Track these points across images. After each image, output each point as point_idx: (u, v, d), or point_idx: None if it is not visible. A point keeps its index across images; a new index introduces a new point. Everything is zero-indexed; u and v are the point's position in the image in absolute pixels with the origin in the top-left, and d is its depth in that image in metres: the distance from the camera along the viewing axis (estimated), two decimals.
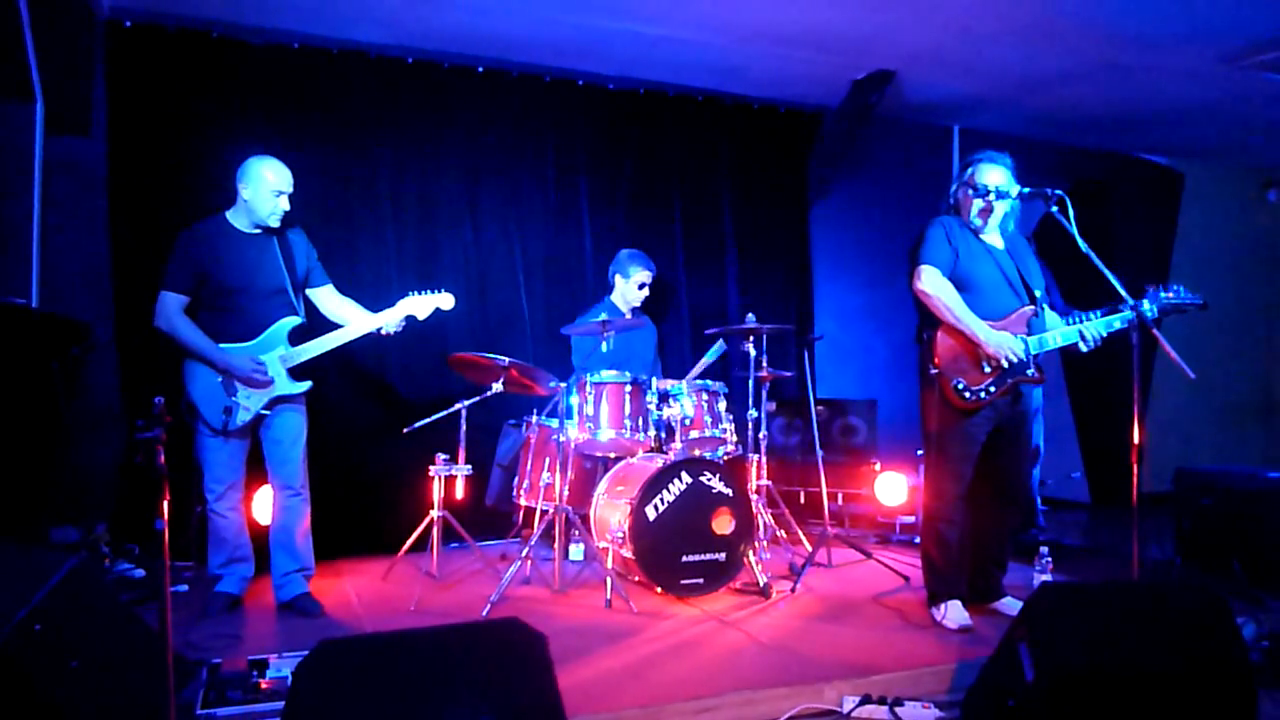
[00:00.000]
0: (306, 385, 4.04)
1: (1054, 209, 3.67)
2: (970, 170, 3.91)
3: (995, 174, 3.86)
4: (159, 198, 4.79)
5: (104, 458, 4.76)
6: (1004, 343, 3.70)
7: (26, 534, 4.15)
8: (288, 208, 3.99)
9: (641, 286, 5.41)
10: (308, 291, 4.19)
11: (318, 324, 4.16)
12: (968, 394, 3.72)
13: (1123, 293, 3.60)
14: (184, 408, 3.88)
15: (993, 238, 3.95)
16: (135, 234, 4.76)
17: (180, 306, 3.88)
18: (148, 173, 4.84)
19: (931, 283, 3.75)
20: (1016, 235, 4.06)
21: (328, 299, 4.22)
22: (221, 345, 3.88)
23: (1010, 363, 3.71)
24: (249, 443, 4.03)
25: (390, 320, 4.11)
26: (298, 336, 4.04)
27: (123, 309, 4.76)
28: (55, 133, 4.74)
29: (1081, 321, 3.79)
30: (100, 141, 4.82)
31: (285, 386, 3.98)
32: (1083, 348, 3.79)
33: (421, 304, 4.21)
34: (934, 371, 3.76)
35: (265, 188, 3.91)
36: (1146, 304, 3.66)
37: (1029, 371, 3.76)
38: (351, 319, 4.13)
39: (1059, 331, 3.79)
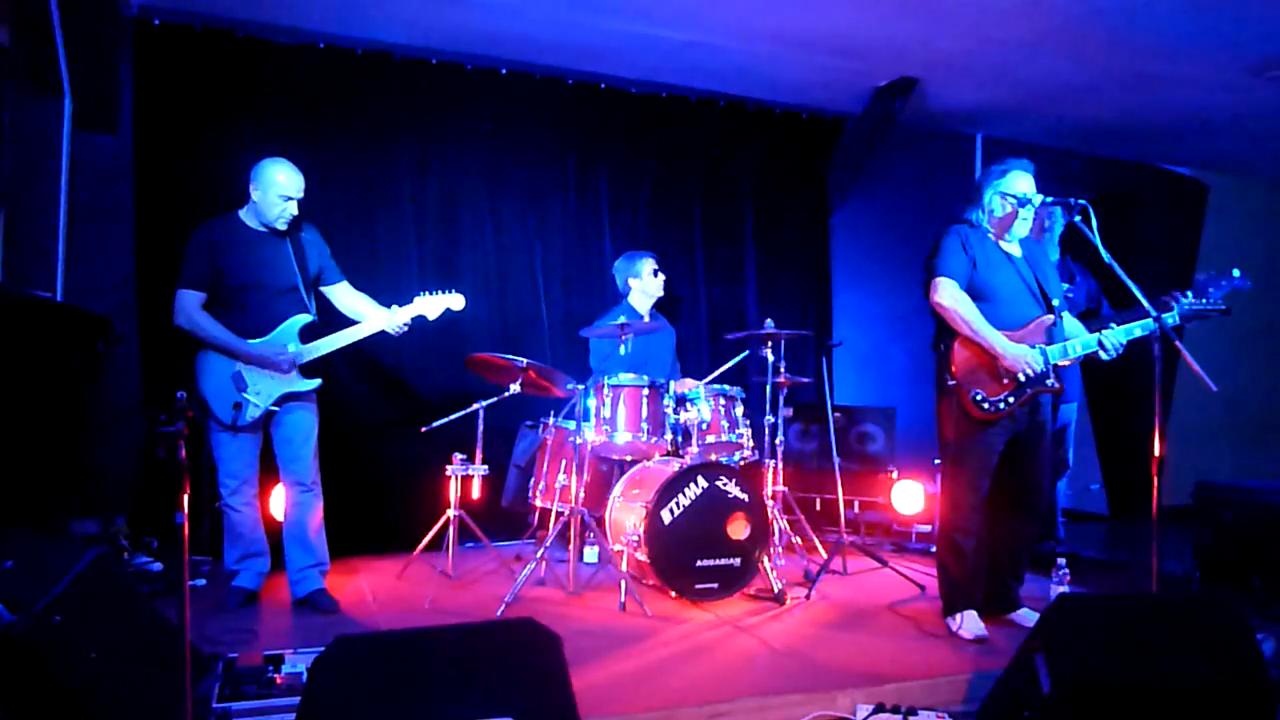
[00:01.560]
0: (316, 383, 4.06)
1: (1077, 219, 3.65)
2: (1004, 179, 3.85)
3: (1026, 181, 3.84)
4: (183, 194, 4.83)
5: (124, 451, 4.80)
6: (1022, 355, 3.67)
7: (48, 526, 4.20)
8: (295, 213, 4.02)
9: (656, 274, 5.40)
10: (323, 289, 4.22)
11: (332, 321, 4.18)
12: (986, 405, 3.70)
13: (1145, 304, 3.57)
14: (195, 401, 3.91)
15: (1011, 245, 3.93)
16: (159, 230, 4.80)
17: (198, 303, 3.92)
18: (173, 170, 4.89)
19: (948, 295, 3.72)
20: (1032, 242, 4.03)
21: (343, 295, 4.25)
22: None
23: (1028, 375, 3.68)
24: (261, 438, 4.05)
25: (396, 321, 4.11)
26: (309, 334, 4.06)
27: (145, 304, 4.80)
28: (82, 128, 4.80)
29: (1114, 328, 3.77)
30: (127, 138, 4.88)
31: (295, 384, 4.00)
32: (1104, 355, 3.76)
33: (432, 304, 4.24)
34: (952, 383, 3.73)
35: (273, 191, 3.94)
36: (1172, 313, 3.63)
37: (1048, 381, 3.74)
38: (368, 314, 4.16)
39: (1078, 341, 3.77)
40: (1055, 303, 3.84)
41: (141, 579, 4.22)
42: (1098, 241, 3.59)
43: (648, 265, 5.38)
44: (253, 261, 3.97)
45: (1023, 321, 3.77)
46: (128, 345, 4.80)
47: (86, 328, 4.42)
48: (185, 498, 2.29)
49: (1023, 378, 3.68)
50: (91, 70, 4.63)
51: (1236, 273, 3.66)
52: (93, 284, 4.80)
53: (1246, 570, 4.44)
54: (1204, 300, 3.77)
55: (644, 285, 5.39)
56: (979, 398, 3.69)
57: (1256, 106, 5.98)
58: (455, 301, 4.30)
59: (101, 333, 4.52)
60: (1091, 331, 3.80)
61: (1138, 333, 3.72)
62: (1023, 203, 3.81)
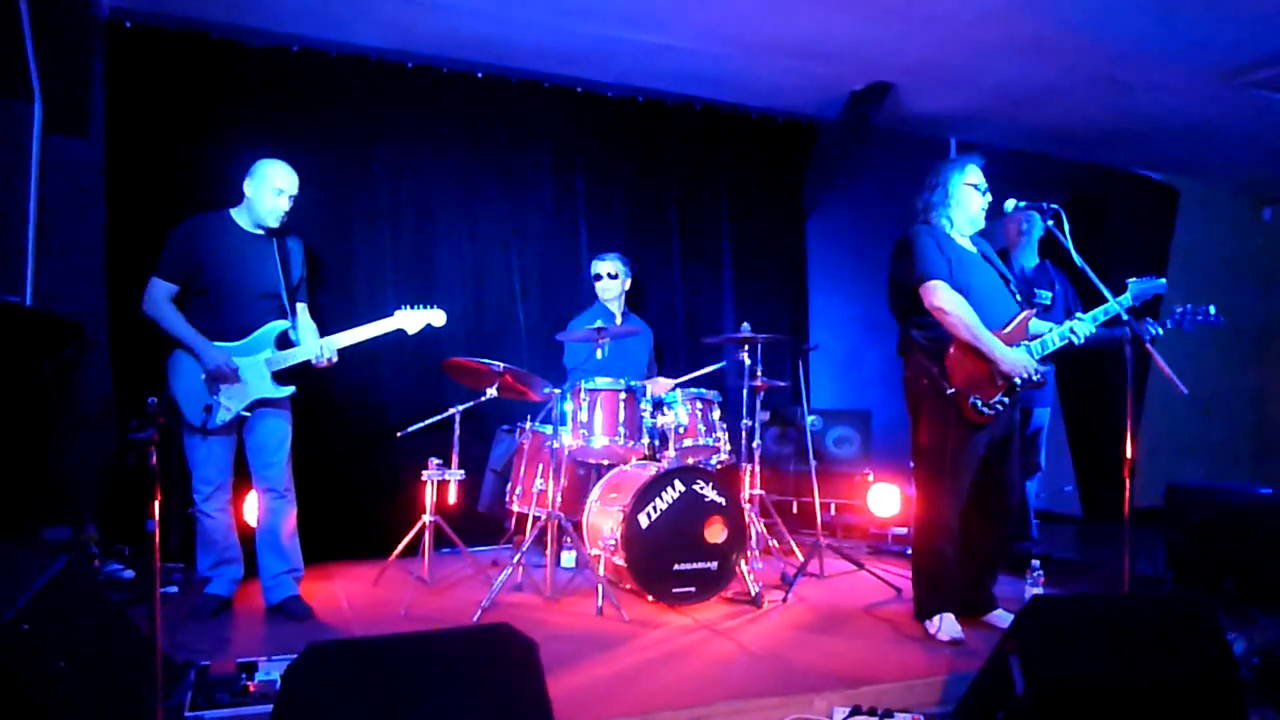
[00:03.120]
0: (289, 390, 4.02)
1: (1050, 222, 3.69)
2: (965, 171, 3.88)
3: (979, 174, 3.91)
4: (155, 199, 4.78)
5: (95, 457, 4.74)
6: (1020, 360, 3.69)
7: (17, 533, 4.15)
8: (288, 207, 3.99)
9: (597, 278, 5.40)
10: None
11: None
12: (985, 410, 3.69)
13: (1118, 307, 3.63)
14: (165, 405, 3.87)
15: (967, 242, 3.96)
16: (131, 235, 4.74)
17: (168, 295, 3.89)
18: (145, 174, 4.83)
19: (946, 299, 3.66)
20: (979, 238, 4.05)
21: (299, 316, 4.20)
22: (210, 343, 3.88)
23: (1024, 378, 3.71)
24: (234, 442, 4.01)
25: (323, 353, 4.02)
26: (286, 342, 4.04)
27: (116, 309, 4.74)
28: (53, 133, 4.74)
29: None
30: (98, 142, 4.82)
31: (268, 390, 3.96)
32: (1075, 340, 3.80)
33: (412, 319, 4.26)
34: (951, 391, 3.67)
35: (268, 183, 3.93)
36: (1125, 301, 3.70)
37: (1034, 376, 3.76)
38: (304, 341, 4.11)
39: (1055, 333, 3.79)
40: (1019, 297, 3.90)
41: (112, 586, 4.17)
42: (1069, 245, 3.64)
43: (594, 269, 5.42)
44: (237, 261, 3.95)
45: (1004, 319, 3.79)
46: (98, 350, 4.74)
47: (56, 332, 4.37)
48: (156, 504, 2.27)
49: (1019, 380, 3.70)
50: (62, 73, 4.57)
51: (1213, 309, 3.72)
52: (63, 288, 4.74)
53: (1218, 571, 4.48)
54: (1177, 328, 3.82)
55: (598, 290, 5.41)
56: (978, 404, 3.69)
57: (1226, 112, 6.06)
58: (436, 317, 4.30)
59: (72, 337, 4.47)
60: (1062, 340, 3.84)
61: (1102, 317, 3.76)
62: (984, 192, 3.87)
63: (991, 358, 3.67)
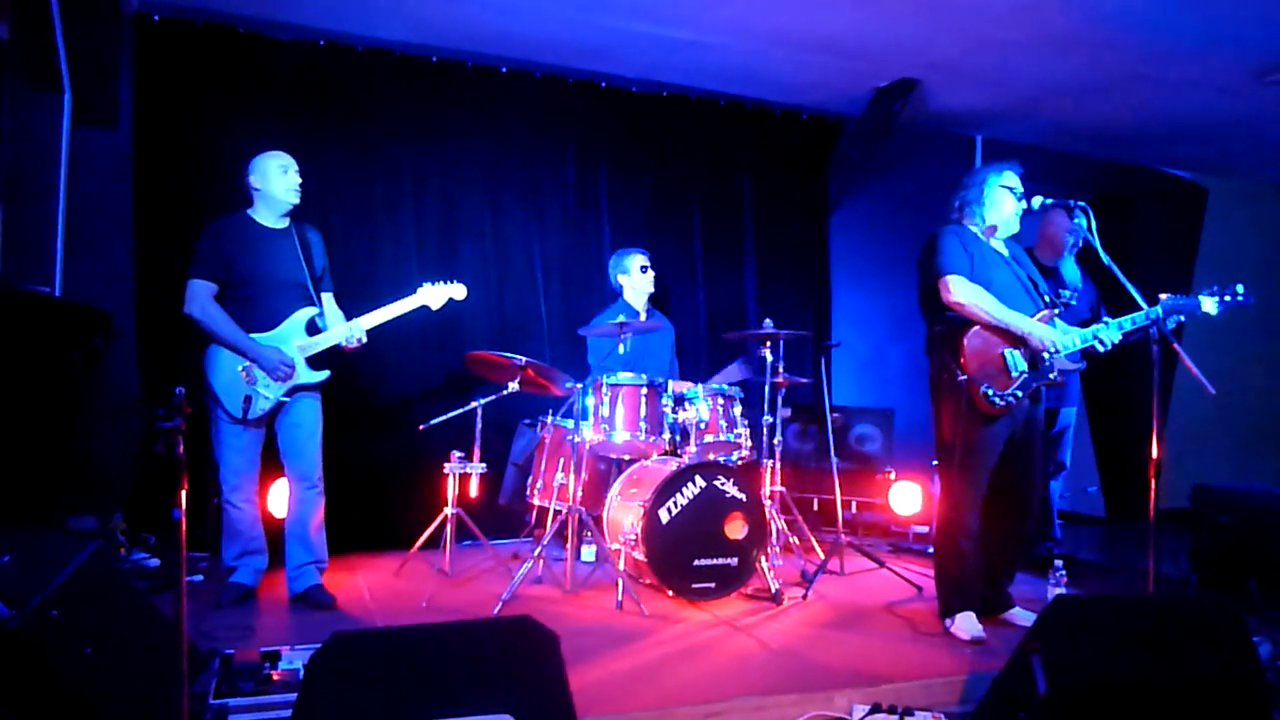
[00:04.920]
0: (324, 375, 4.08)
1: (1078, 220, 3.67)
2: (1003, 175, 3.92)
3: (1017, 180, 3.93)
4: (183, 190, 4.83)
5: (122, 447, 4.79)
6: (1048, 332, 3.71)
7: (45, 521, 4.20)
8: (299, 181, 4.08)
9: (644, 270, 5.39)
10: None
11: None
12: (998, 400, 3.68)
13: (1144, 306, 3.59)
14: (205, 395, 3.92)
15: (998, 244, 3.96)
16: (158, 226, 4.80)
17: (210, 293, 3.95)
18: (172, 165, 4.88)
19: (962, 291, 3.72)
20: (1012, 242, 4.05)
21: (325, 305, 4.25)
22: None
23: (1046, 358, 3.70)
24: (264, 434, 4.07)
25: (352, 334, 4.08)
26: (315, 328, 4.09)
27: (144, 300, 4.80)
28: (82, 124, 4.78)
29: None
30: (126, 134, 4.87)
31: (304, 375, 4.03)
32: (1099, 348, 3.78)
33: (435, 294, 4.31)
34: (962, 378, 3.69)
35: (273, 165, 4.03)
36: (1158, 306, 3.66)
37: (1053, 375, 3.75)
38: (332, 328, 4.17)
39: (1077, 334, 3.78)
40: (1046, 299, 3.88)
41: (138, 575, 4.22)
42: (1097, 243, 3.61)
43: (635, 261, 5.38)
44: (261, 256, 4.02)
45: (1027, 316, 3.78)
46: (126, 340, 4.79)
47: (85, 322, 4.42)
48: (183, 494, 2.29)
49: (1046, 356, 3.71)
50: (91, 66, 4.61)
51: (1240, 288, 3.67)
52: (92, 279, 4.79)
53: (1243, 573, 4.43)
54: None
55: (633, 282, 5.39)
56: (990, 393, 3.68)
57: (1257, 110, 5.99)
58: (457, 291, 4.35)
59: (100, 327, 4.51)
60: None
61: (1128, 325, 3.74)
62: (1020, 197, 3.88)
63: (1019, 333, 3.72)
